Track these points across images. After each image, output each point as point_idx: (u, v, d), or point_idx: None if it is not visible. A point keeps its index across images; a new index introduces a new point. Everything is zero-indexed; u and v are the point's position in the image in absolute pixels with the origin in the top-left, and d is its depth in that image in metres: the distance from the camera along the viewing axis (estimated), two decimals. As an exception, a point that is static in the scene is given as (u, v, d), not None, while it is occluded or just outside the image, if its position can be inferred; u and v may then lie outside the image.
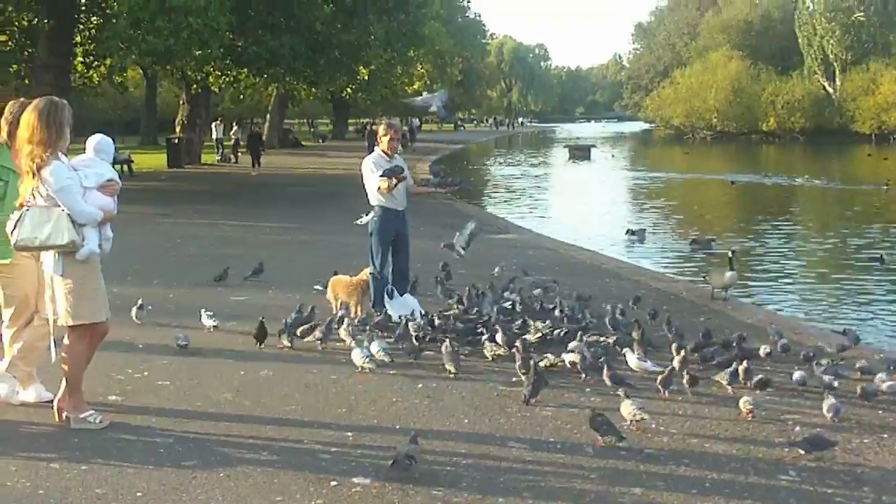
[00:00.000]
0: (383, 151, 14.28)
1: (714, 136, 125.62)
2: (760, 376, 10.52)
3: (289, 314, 13.08)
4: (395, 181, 13.81)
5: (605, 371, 10.29)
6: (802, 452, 8.48)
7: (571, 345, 11.73)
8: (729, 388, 10.32)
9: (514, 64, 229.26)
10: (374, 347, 11.13)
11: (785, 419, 9.59)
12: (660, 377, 10.25)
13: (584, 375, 10.86)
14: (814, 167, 63.13)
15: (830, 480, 8.04)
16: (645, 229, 29.14)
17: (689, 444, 8.85)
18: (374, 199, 14.14)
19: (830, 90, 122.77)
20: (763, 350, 11.99)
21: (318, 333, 12.23)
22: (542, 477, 7.95)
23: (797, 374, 10.72)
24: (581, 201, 42.94)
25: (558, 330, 12.62)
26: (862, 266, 23.88)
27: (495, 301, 14.33)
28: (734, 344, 12.10)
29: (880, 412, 9.99)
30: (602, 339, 12.22)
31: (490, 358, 11.43)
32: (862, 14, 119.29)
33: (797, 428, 9.16)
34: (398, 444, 8.18)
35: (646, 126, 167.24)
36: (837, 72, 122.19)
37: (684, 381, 10.26)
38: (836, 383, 10.33)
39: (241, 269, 17.45)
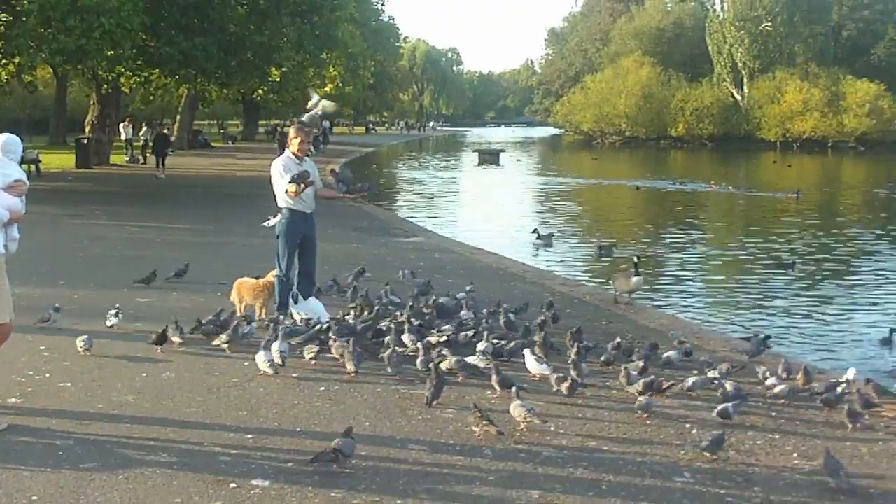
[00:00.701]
0: (293, 153, 14.23)
1: (623, 142, 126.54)
2: (652, 378, 10.67)
3: (192, 316, 13.07)
4: (302, 186, 13.81)
5: (493, 375, 10.42)
6: (708, 455, 8.69)
7: (479, 346, 11.89)
8: (634, 391, 10.44)
9: (427, 67, 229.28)
10: (274, 348, 11.13)
11: (682, 422, 9.78)
12: (562, 386, 10.36)
13: (459, 378, 11.05)
14: (721, 173, 63.77)
15: (723, 481, 8.24)
16: (552, 233, 29.31)
17: (587, 447, 8.99)
18: (282, 201, 14.10)
19: (738, 97, 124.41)
20: (665, 355, 12.20)
21: (224, 337, 12.22)
22: (440, 479, 8.05)
23: (694, 379, 10.91)
24: (489, 205, 43.09)
25: (464, 332, 12.74)
26: (770, 272, 24.25)
27: (404, 305, 14.47)
28: (635, 350, 12.31)
29: (773, 414, 10.25)
30: (503, 342, 12.37)
31: (386, 361, 11.35)
32: (770, 24, 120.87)
33: (694, 430, 9.33)
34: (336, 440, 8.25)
35: (555, 131, 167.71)
36: (745, 80, 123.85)
37: (562, 387, 10.35)
38: (732, 387, 10.52)
39: (147, 270, 17.27)
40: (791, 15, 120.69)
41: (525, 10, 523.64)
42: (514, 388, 9.79)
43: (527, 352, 11.44)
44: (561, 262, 25.27)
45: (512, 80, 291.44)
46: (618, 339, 12.69)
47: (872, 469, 8.75)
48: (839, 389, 10.71)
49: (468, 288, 16.07)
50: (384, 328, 12.81)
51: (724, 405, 9.77)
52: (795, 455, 8.98)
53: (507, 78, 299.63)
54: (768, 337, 14.48)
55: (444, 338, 12.34)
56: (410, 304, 14.54)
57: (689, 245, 29.73)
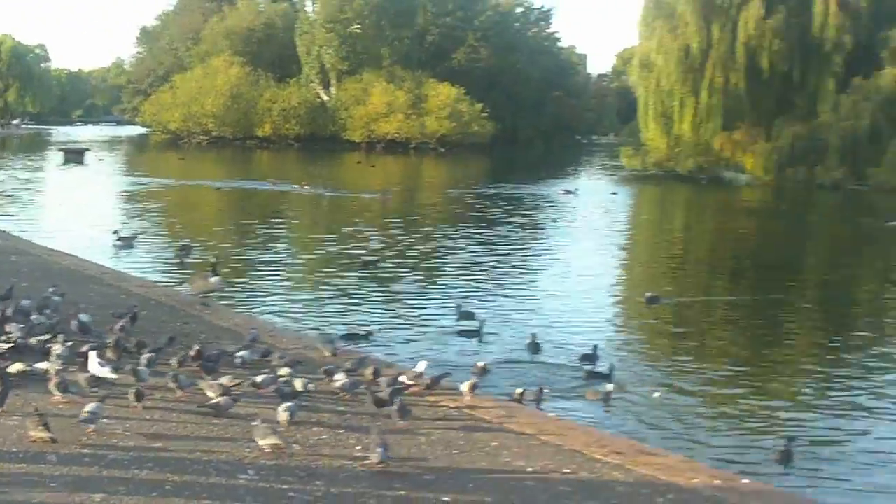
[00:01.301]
0: None
1: (210, 142, 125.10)
2: (222, 382, 10.86)
3: None
4: None
5: (53, 379, 10.32)
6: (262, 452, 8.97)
7: (54, 350, 11.71)
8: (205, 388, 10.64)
9: (13, 63, 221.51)
10: None
11: (249, 420, 9.88)
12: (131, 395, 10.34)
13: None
14: (308, 174, 64.39)
15: (287, 477, 8.52)
16: (135, 235, 29.07)
17: (153, 447, 9.08)
18: None
19: (325, 98, 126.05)
20: (239, 354, 12.43)
21: None
22: (1, 488, 7.90)
23: (263, 377, 11.21)
24: (71, 206, 42.08)
25: (37, 338, 12.56)
26: (353, 271, 24.88)
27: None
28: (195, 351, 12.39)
29: (340, 409, 10.67)
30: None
31: None
32: (358, 27, 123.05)
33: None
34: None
35: (143, 130, 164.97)
36: (333, 81, 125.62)
37: (131, 396, 10.33)
38: (300, 386, 10.84)
39: None
40: (379, 18, 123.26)
41: (116, 8, 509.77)
42: (66, 396, 9.79)
43: (91, 354, 11.35)
44: (142, 263, 25.11)
45: (101, 78, 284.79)
46: (196, 347, 12.67)
47: (428, 455, 9.34)
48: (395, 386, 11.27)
49: (51, 290, 15.82)
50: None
51: (287, 404, 10.02)
52: (358, 448, 9.37)
53: (97, 76, 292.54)
54: (371, 333, 14.99)
55: (11, 343, 12.14)
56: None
57: (272, 245, 30.14)
